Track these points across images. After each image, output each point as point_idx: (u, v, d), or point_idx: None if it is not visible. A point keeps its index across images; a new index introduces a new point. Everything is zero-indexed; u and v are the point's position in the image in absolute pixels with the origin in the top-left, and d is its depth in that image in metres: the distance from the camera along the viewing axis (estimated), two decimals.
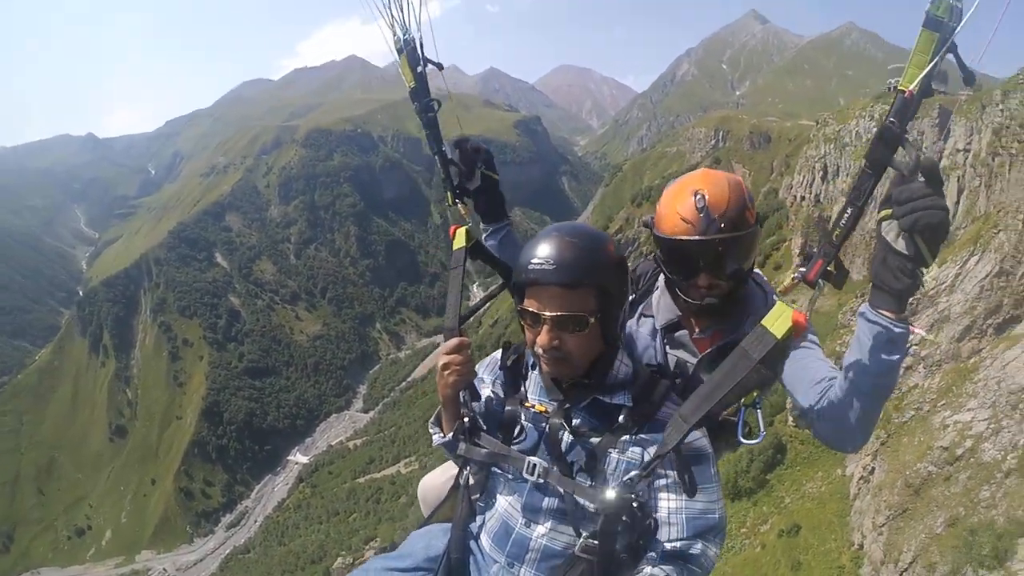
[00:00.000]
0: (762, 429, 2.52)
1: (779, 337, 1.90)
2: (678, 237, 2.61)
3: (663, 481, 2.29)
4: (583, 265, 2.23)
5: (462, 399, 2.54)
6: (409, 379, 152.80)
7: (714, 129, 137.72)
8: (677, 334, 2.84)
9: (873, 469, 39.41)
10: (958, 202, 59.75)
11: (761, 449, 51.30)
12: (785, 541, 47.02)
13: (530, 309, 2.31)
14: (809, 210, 78.38)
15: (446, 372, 2.52)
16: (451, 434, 2.55)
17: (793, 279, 2.41)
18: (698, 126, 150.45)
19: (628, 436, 2.32)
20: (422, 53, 3.07)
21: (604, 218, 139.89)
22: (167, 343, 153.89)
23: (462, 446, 2.52)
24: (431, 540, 2.62)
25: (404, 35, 3.01)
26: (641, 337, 2.91)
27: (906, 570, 34.01)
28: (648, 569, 2.20)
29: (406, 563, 2.51)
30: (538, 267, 2.24)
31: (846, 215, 2.28)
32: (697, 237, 2.56)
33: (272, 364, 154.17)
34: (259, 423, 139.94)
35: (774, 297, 2.78)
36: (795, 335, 1.93)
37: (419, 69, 3.06)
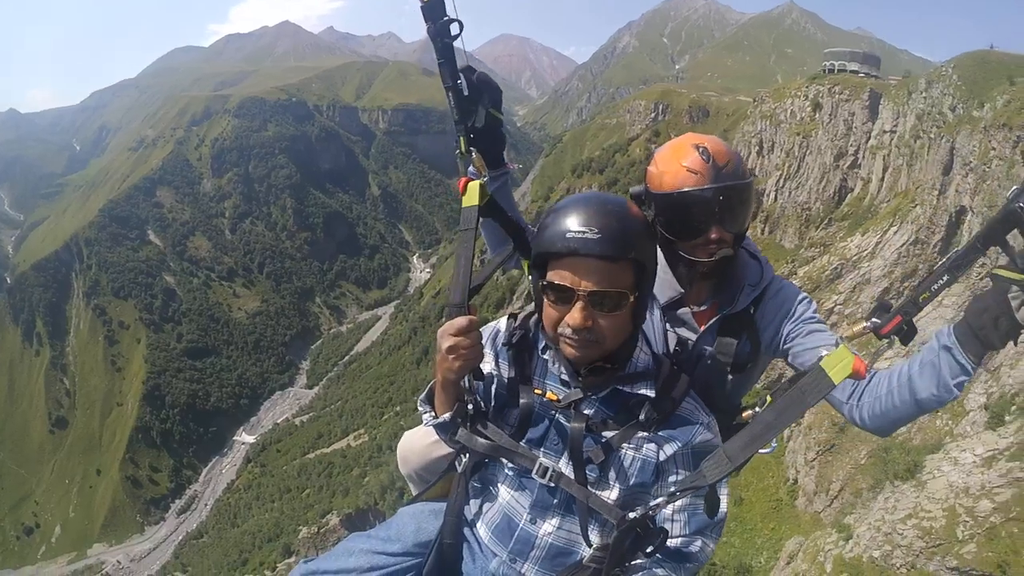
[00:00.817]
0: (773, 444, 2.19)
1: (836, 383, 1.80)
2: (687, 189, 2.53)
3: (673, 478, 2.19)
4: (628, 236, 1.99)
5: (465, 383, 2.26)
6: (352, 353, 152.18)
7: (654, 103, 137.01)
8: (679, 312, 2.75)
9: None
10: (883, 179, 62.89)
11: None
12: (727, 481, 50.77)
13: (562, 283, 2.01)
14: None
15: (451, 356, 2.14)
16: (449, 415, 2.28)
17: (864, 328, 2.37)
18: (638, 99, 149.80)
19: (644, 432, 2.16)
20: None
21: (544, 188, 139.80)
22: (103, 327, 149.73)
23: (462, 432, 2.28)
24: (421, 523, 2.44)
25: None
26: (651, 322, 2.64)
27: (836, 497, 36.50)
28: (648, 568, 2.14)
29: (394, 547, 2.33)
30: (579, 235, 1.95)
31: (941, 281, 2.24)
32: (709, 185, 2.51)
33: (212, 343, 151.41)
34: (202, 404, 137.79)
35: (769, 268, 2.72)
36: (857, 377, 1.82)
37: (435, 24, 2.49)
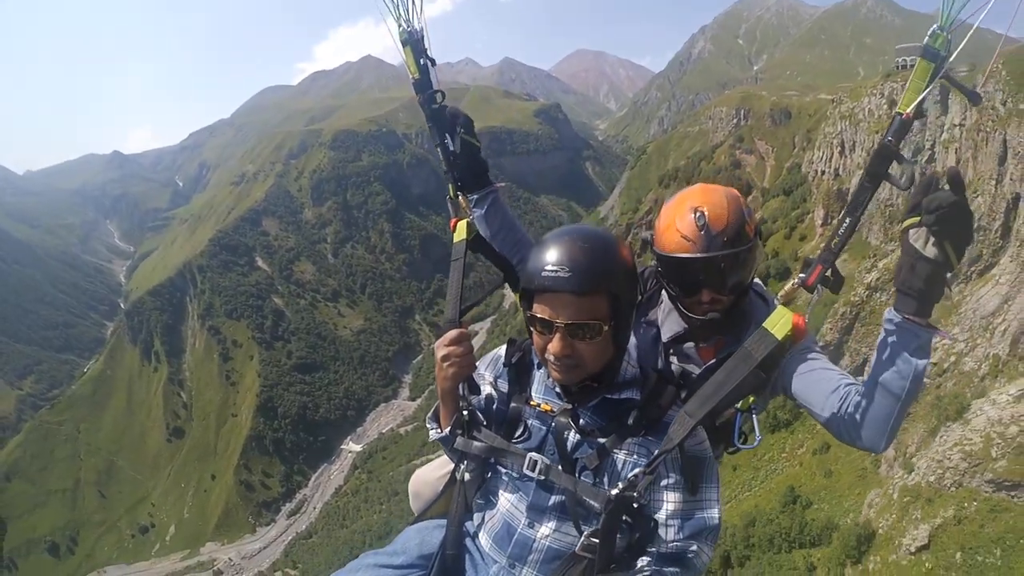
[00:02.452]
0: (758, 434, 2.62)
1: (780, 338, 2.19)
2: (680, 255, 2.65)
3: (665, 482, 2.28)
4: (597, 271, 2.16)
5: (461, 392, 2.52)
6: None
7: (735, 108, 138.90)
8: (684, 346, 2.92)
9: None
10: (964, 168, 64.82)
11: None
12: (818, 458, 55.51)
13: (542, 316, 2.23)
14: (829, 184, 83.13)
15: (446, 364, 2.49)
16: (448, 429, 2.54)
17: (793, 284, 2.46)
18: (719, 105, 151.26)
19: (635, 438, 2.30)
20: (427, 46, 3.12)
21: (632, 200, 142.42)
22: (217, 345, 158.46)
23: (460, 440, 2.50)
24: (425, 536, 2.60)
25: (408, 27, 3.04)
26: (643, 344, 2.98)
27: (912, 457, 40.03)
28: (645, 571, 2.21)
29: (399, 560, 2.49)
30: (552, 274, 2.16)
31: (844, 224, 2.34)
32: (699, 255, 2.60)
33: (320, 359, 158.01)
34: (312, 415, 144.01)
35: (775, 302, 2.66)
36: (795, 338, 2.22)
37: (422, 61, 3.09)
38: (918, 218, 2.13)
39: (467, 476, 2.51)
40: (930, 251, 2.12)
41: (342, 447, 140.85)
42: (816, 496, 50.83)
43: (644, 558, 2.23)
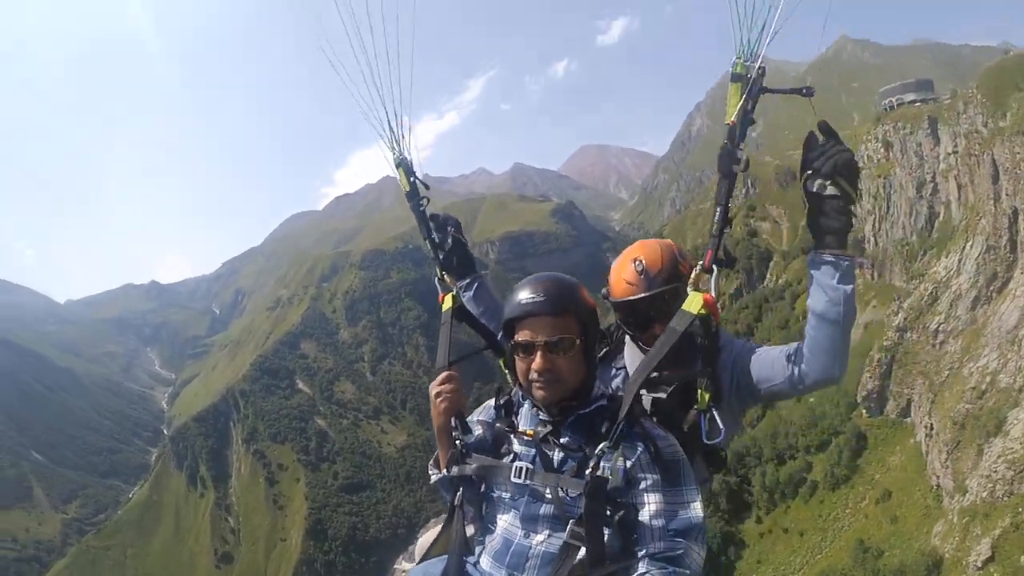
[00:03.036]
0: (721, 428, 2.88)
1: (695, 312, 2.71)
2: (628, 298, 3.29)
3: (643, 484, 2.52)
4: (565, 296, 2.64)
5: (454, 427, 2.89)
6: None
7: (742, 178, 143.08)
8: (651, 376, 3.09)
9: (932, 425, 49.96)
10: (959, 197, 67.36)
11: (846, 441, 63.61)
12: (882, 507, 58.29)
13: (524, 340, 2.64)
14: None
15: (438, 399, 2.97)
16: (446, 469, 2.90)
17: (695, 270, 2.92)
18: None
19: (610, 445, 2.53)
20: (414, 166, 3.90)
21: None
22: (262, 469, 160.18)
23: (455, 468, 2.82)
24: (428, 569, 2.83)
25: (398, 155, 3.84)
26: (615, 385, 3.45)
27: (967, 480, 43.04)
28: (640, 570, 2.38)
29: None
30: (529, 300, 2.62)
31: (716, 213, 2.85)
32: (643, 294, 3.23)
33: (366, 478, 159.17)
34: (362, 536, 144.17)
35: (724, 334, 3.16)
36: (709, 310, 2.73)
37: (411, 179, 3.85)
38: (810, 171, 2.73)
39: (464, 501, 2.86)
40: (830, 190, 2.66)
41: (395, 566, 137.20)
42: (886, 543, 52.75)
43: (639, 561, 2.41)
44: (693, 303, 2.73)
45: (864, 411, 67.19)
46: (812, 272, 2.78)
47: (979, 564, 33.35)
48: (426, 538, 3.32)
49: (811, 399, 71.96)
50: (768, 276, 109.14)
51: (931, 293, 61.21)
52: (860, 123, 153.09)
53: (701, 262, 2.89)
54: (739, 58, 2.72)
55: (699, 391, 2.90)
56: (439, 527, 3.10)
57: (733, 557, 70.04)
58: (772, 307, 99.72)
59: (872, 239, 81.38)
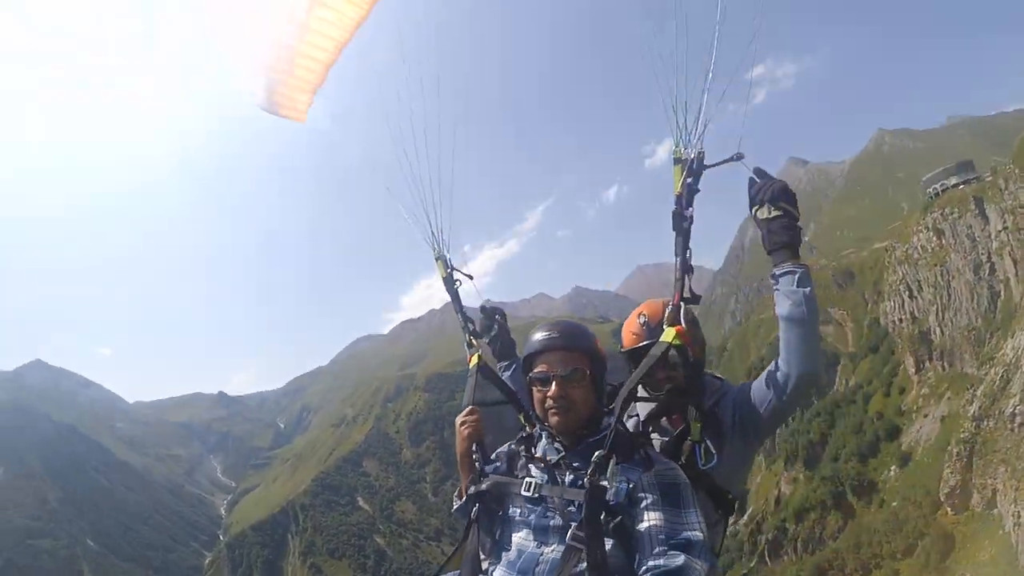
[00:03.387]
0: (714, 454, 3.14)
1: (669, 341, 3.08)
2: (632, 347, 3.77)
3: (645, 503, 2.67)
4: (576, 335, 3.07)
5: (475, 455, 3.32)
6: None
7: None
8: (661, 422, 3.64)
9: (1019, 512, 50.38)
10: (1016, 273, 67.40)
11: (932, 543, 64.02)
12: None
13: (541, 372, 2.99)
14: (910, 329, 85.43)
15: (462, 427, 3.44)
16: (466, 490, 3.26)
17: (667, 310, 3.30)
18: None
19: (615, 466, 2.73)
20: (450, 260, 4.65)
21: None
22: None
23: (472, 488, 3.15)
24: None
25: (438, 251, 4.63)
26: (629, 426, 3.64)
27: None
28: None
29: None
30: (546, 338, 3.03)
31: (677, 261, 3.27)
32: (644, 343, 3.69)
33: None
34: None
35: (728, 384, 3.73)
36: (681, 338, 3.09)
37: (448, 270, 4.60)
38: (756, 205, 3.31)
39: (480, 514, 3.12)
40: (774, 212, 3.21)
41: None
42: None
43: (641, 574, 2.51)
44: (668, 335, 3.15)
45: (949, 509, 64.50)
46: (774, 285, 3.31)
47: None
48: None
49: (894, 503, 70.28)
50: (838, 380, 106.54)
51: (1003, 376, 59.26)
52: (909, 212, 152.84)
53: (665, 306, 3.49)
54: (677, 145, 3.38)
55: (690, 423, 3.28)
56: None
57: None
58: (844, 412, 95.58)
59: (938, 330, 79.89)
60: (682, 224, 3.28)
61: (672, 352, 3.16)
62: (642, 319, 3.81)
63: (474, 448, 3.39)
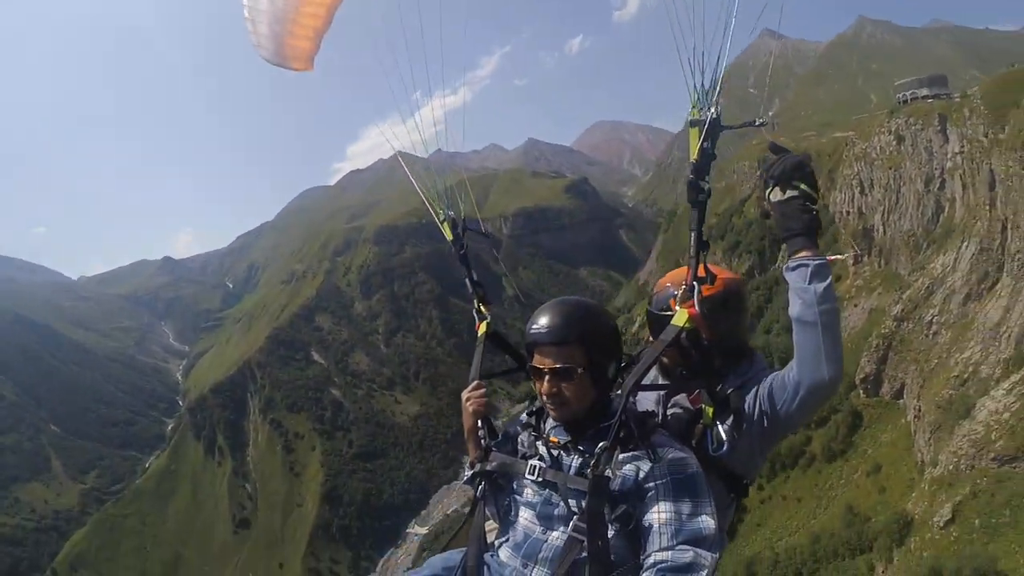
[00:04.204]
0: (724, 441, 3.01)
1: (680, 325, 2.92)
2: (660, 312, 3.47)
3: (654, 494, 2.61)
4: (568, 327, 2.81)
5: (482, 431, 3.27)
6: None
7: (757, 160, 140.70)
8: (677, 396, 3.42)
9: (919, 407, 54.77)
10: (963, 197, 70.69)
11: (843, 418, 71.66)
12: (872, 479, 62.86)
13: (535, 365, 2.89)
14: (855, 223, 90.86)
15: (468, 403, 3.35)
16: (474, 466, 3.20)
17: (685, 290, 3.11)
18: (741, 159, 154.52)
19: (623, 454, 2.71)
20: (459, 221, 4.58)
21: (671, 263, 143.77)
22: (279, 438, 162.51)
23: (478, 465, 3.13)
24: (448, 556, 3.19)
25: (443, 213, 4.54)
26: (646, 399, 3.52)
27: (938, 455, 47.10)
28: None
29: (425, 572, 3.08)
30: (534, 332, 2.87)
31: (692, 237, 3.04)
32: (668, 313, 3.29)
33: (380, 446, 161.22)
34: (376, 501, 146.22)
35: (759, 363, 3.45)
36: (693, 320, 2.94)
37: (457, 230, 4.53)
38: (769, 182, 3.01)
39: (486, 492, 3.14)
40: (789, 192, 2.89)
41: (408, 531, 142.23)
42: (873, 510, 57.03)
43: (646, 568, 2.48)
44: (679, 317, 2.98)
45: (861, 392, 71.64)
46: (787, 281, 3.00)
47: (942, 524, 38.35)
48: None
49: None
50: (780, 257, 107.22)
51: (928, 287, 65.11)
52: (875, 108, 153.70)
53: (684, 284, 3.18)
54: (694, 106, 3.10)
55: (703, 406, 3.14)
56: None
57: (735, 520, 71.24)
58: (782, 289, 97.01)
59: (881, 228, 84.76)
60: (698, 196, 3.05)
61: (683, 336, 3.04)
62: (673, 291, 3.35)
63: (479, 424, 3.32)
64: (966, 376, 53.88)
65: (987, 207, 59.55)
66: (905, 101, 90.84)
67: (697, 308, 2.95)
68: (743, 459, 3.18)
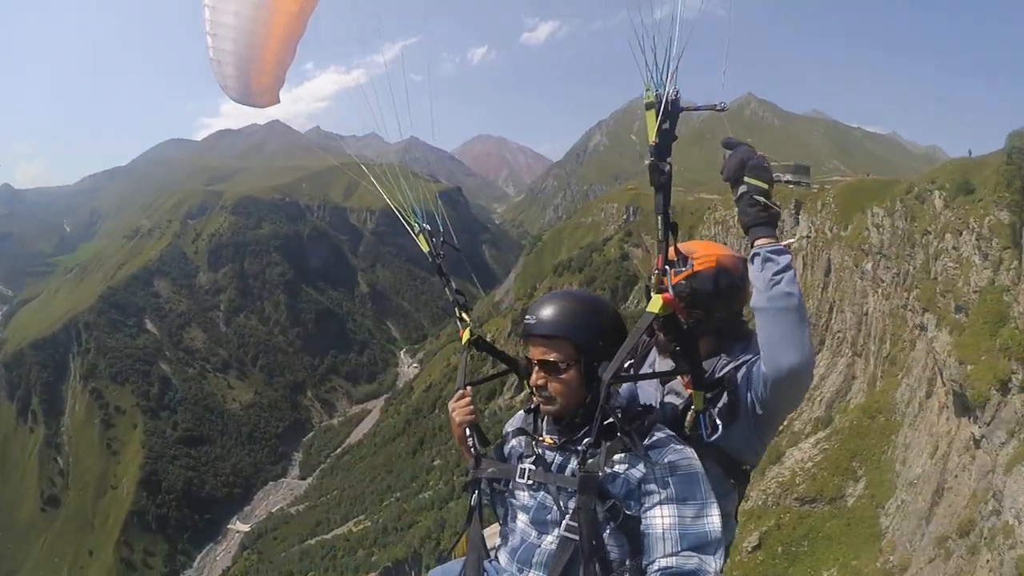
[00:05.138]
0: (719, 425, 2.96)
1: (656, 311, 2.78)
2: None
3: (656, 498, 2.55)
4: (560, 321, 2.78)
5: (471, 440, 3.22)
6: (344, 445, 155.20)
7: (626, 204, 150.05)
8: (673, 382, 3.40)
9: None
10: (802, 275, 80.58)
11: None
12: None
13: (527, 356, 2.91)
14: None
15: (454, 414, 3.33)
16: (471, 474, 3.17)
17: (655, 275, 2.95)
18: (610, 200, 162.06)
19: (619, 454, 2.66)
20: (437, 239, 4.61)
21: (527, 286, 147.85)
22: (99, 410, 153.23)
23: (470, 472, 3.14)
24: (448, 569, 3.16)
25: (419, 226, 4.61)
26: (644, 388, 3.57)
27: (755, 497, 52.69)
28: None
29: None
30: (528, 322, 2.86)
31: (659, 220, 2.97)
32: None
33: (207, 432, 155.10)
34: (197, 492, 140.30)
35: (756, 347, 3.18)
36: (670, 305, 2.79)
37: (433, 240, 4.52)
38: (730, 186, 3.08)
39: (480, 504, 3.16)
40: (740, 190, 2.99)
41: (229, 527, 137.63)
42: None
43: (647, 573, 2.48)
44: (654, 304, 2.85)
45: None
46: (749, 268, 3.06)
47: (750, 549, 45.07)
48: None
49: None
50: (630, 299, 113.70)
51: None
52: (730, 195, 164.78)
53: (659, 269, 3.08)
54: (648, 89, 3.01)
55: (693, 393, 3.10)
56: None
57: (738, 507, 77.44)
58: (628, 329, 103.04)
59: None
60: (660, 178, 3.00)
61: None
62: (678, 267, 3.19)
63: (468, 433, 3.27)
64: (782, 429, 60.06)
65: (820, 289, 66.48)
66: (777, 181, 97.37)
67: (671, 293, 2.89)
68: (740, 444, 3.24)
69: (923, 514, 33.26)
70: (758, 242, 2.94)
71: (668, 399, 3.39)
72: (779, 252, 2.90)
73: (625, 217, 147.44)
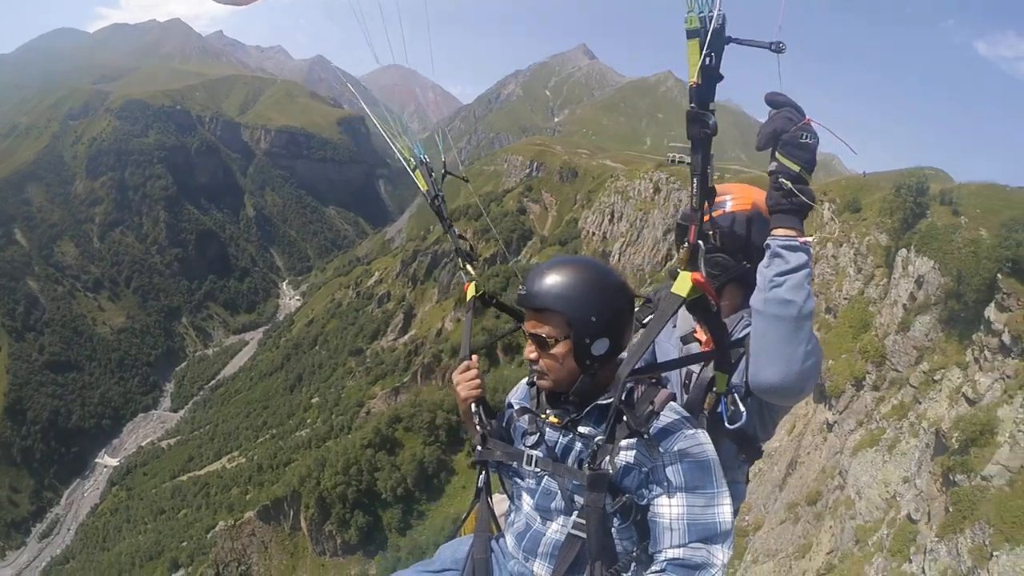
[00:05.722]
0: (742, 411, 2.64)
1: (684, 295, 2.39)
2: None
3: (664, 486, 2.42)
4: (550, 294, 2.51)
5: (478, 414, 3.00)
6: (219, 377, 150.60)
7: (530, 160, 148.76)
8: (690, 344, 3.11)
9: None
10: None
11: None
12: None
13: (524, 327, 2.71)
14: (596, 245, 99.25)
15: (458, 387, 3.08)
16: (478, 452, 2.95)
17: (684, 249, 2.54)
18: (516, 153, 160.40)
19: (626, 439, 2.46)
20: (434, 169, 3.99)
21: (421, 227, 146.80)
22: None
23: (478, 450, 2.91)
24: (458, 546, 3.01)
25: (417, 159, 3.93)
26: (662, 345, 3.26)
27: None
28: (654, 572, 2.36)
29: (435, 566, 2.94)
30: (520, 292, 2.64)
31: (694, 184, 2.40)
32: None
33: (75, 358, 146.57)
34: (64, 423, 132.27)
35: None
36: (701, 288, 2.39)
37: (432, 177, 3.89)
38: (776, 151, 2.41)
39: (488, 483, 2.98)
40: (771, 165, 2.41)
41: (97, 460, 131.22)
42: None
43: (654, 564, 2.38)
44: (681, 284, 2.42)
45: None
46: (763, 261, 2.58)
47: None
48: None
49: None
50: (523, 253, 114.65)
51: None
52: (649, 149, 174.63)
53: (686, 239, 2.50)
54: (690, 12, 2.28)
55: (716, 374, 2.75)
56: None
57: (444, 481, 72.13)
58: (517, 282, 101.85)
59: (618, 257, 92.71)
60: (701, 131, 2.30)
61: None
62: (727, 203, 3.01)
63: (474, 408, 3.04)
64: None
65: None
66: (673, 161, 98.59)
67: (702, 273, 2.42)
68: (754, 419, 2.86)
69: (777, 482, 35.39)
70: (774, 232, 2.47)
71: (690, 348, 3.08)
72: (792, 248, 2.43)
73: (528, 171, 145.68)
